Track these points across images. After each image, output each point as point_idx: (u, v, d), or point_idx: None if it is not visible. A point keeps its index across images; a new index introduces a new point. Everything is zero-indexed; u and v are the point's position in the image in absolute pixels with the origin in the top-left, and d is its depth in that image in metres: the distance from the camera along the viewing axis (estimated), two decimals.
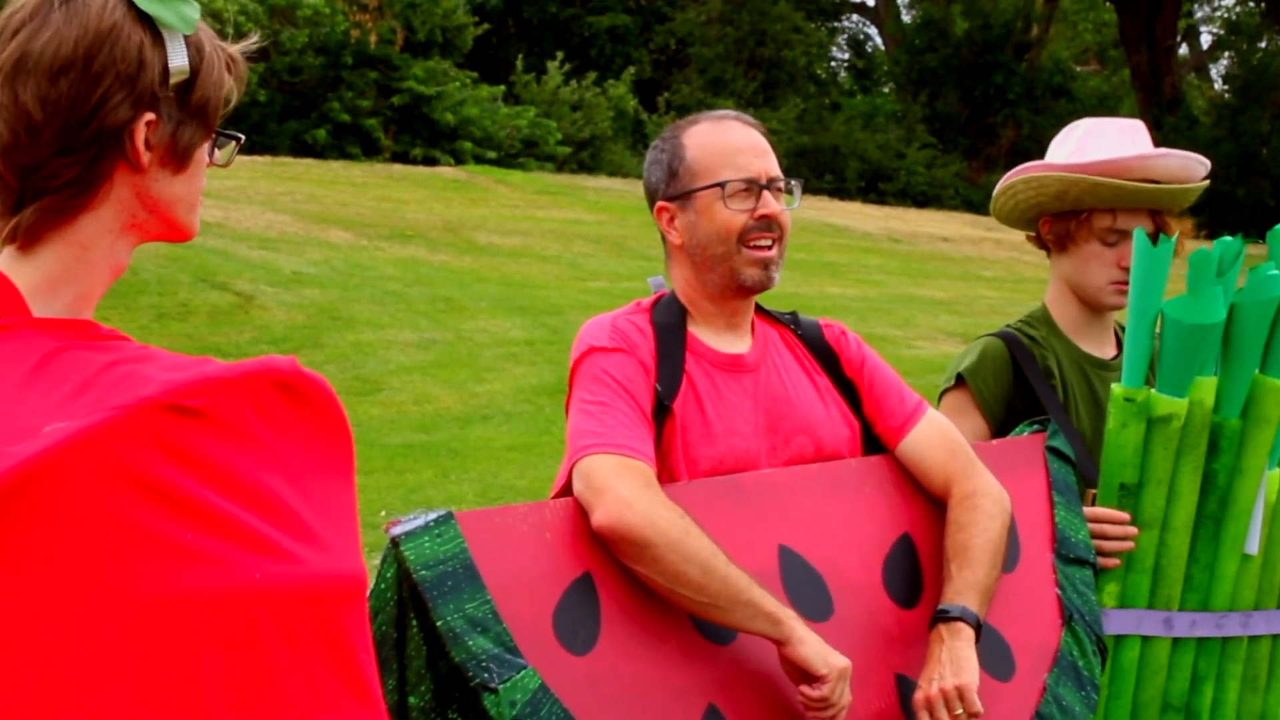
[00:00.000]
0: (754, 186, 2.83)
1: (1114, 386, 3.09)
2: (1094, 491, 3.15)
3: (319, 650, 1.39)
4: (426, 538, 2.41)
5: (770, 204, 2.84)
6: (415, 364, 12.83)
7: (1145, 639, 3.12)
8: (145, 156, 1.60)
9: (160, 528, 1.33)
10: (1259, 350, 3.09)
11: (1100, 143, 3.43)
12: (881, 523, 2.92)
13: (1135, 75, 37.72)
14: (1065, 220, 3.45)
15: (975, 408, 3.39)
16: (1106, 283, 3.42)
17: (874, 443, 3.00)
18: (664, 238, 2.93)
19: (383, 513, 8.18)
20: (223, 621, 1.33)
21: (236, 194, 19.03)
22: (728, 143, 2.87)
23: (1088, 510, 3.13)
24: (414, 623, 2.38)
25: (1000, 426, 3.36)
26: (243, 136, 1.75)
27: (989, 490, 2.92)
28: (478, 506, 8.67)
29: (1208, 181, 3.43)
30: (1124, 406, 3.05)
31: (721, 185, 2.82)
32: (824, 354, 3.00)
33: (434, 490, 9.19)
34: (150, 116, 1.59)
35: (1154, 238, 3.39)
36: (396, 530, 2.41)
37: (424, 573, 2.37)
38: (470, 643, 2.36)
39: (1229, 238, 3.08)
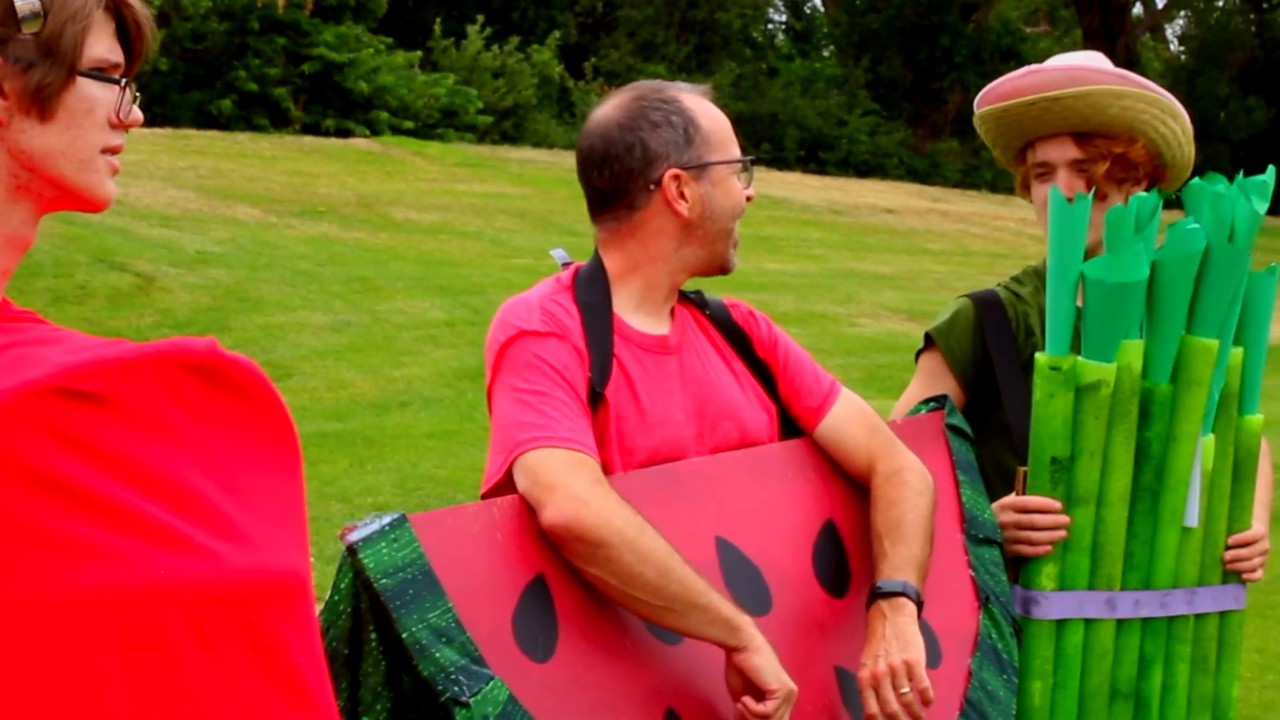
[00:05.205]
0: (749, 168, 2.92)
1: (1038, 355, 3.07)
2: (1024, 469, 3.12)
3: (242, 654, 1.35)
4: (384, 543, 2.36)
5: (751, 187, 2.92)
6: (328, 348, 12.74)
7: (1089, 622, 3.10)
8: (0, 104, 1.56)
9: (51, 521, 1.30)
10: (1184, 309, 3.05)
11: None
12: (807, 509, 2.94)
13: (1087, 36, 37.91)
14: (1016, 164, 3.41)
15: (947, 369, 3.38)
16: None
17: (788, 426, 3.01)
18: (636, 207, 2.82)
19: None
20: (124, 622, 1.30)
21: (136, 169, 18.80)
22: (724, 120, 2.91)
23: (1015, 500, 3.11)
24: (373, 636, 2.35)
25: (972, 388, 3.35)
26: (121, 80, 1.66)
27: (913, 466, 2.96)
28: (396, 498, 8.68)
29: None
30: (1050, 376, 3.03)
31: (744, 162, 2.88)
32: (734, 335, 3.01)
33: (350, 481, 9.13)
34: None
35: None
36: (353, 537, 2.36)
37: (385, 581, 2.33)
38: (437, 654, 2.34)
39: (1143, 193, 3.06)
